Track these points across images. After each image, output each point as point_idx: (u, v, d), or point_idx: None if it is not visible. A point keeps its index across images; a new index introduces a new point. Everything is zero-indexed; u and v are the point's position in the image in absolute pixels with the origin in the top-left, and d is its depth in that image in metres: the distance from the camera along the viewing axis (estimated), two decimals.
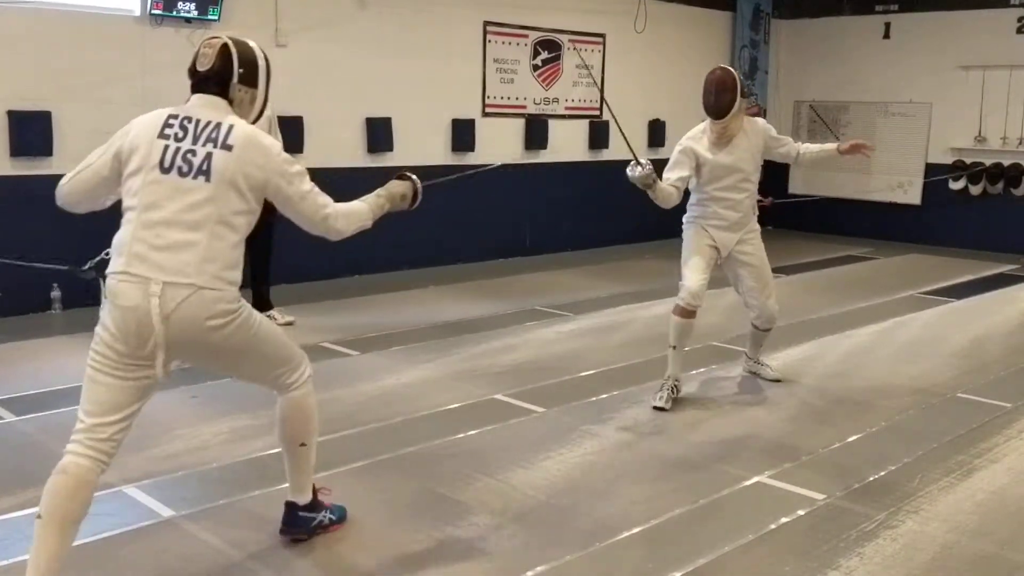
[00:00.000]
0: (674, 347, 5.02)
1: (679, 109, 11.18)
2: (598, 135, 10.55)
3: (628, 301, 7.70)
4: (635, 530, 3.55)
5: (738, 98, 4.89)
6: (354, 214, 3.16)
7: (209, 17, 7.33)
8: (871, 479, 4.07)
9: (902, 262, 10.32)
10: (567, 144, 10.27)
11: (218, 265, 2.85)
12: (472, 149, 9.39)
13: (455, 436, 4.51)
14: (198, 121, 2.90)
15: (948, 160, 11.16)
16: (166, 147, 2.86)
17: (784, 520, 3.66)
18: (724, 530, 3.57)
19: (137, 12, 7.13)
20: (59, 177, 7.51)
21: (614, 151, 10.55)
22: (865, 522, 3.64)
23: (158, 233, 2.82)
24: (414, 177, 3.36)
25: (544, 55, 10.03)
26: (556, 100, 10.20)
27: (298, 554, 3.32)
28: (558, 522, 3.62)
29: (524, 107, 9.91)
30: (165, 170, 2.85)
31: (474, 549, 3.39)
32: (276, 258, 6.69)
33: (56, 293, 6.88)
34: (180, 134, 2.88)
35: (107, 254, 2.97)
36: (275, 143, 3.01)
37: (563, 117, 10.27)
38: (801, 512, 3.73)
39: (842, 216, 11.95)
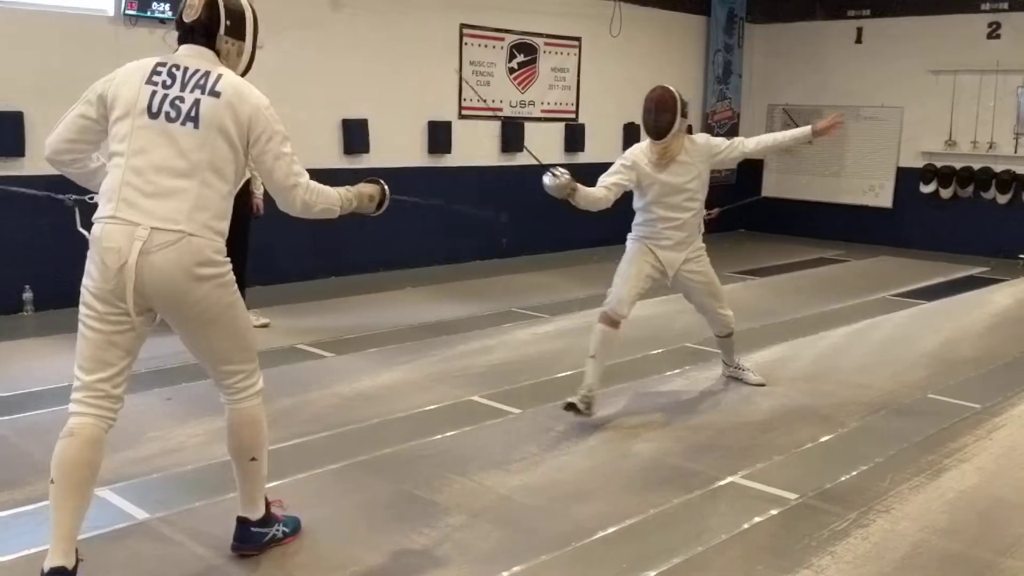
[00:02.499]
0: (593, 356, 4.81)
1: None
2: (574, 138, 10.59)
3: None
4: (610, 530, 3.57)
5: (678, 118, 4.75)
6: (324, 194, 3.09)
7: None
8: (843, 479, 4.12)
9: (874, 264, 10.43)
10: (543, 147, 10.29)
11: (208, 214, 2.85)
12: (448, 151, 9.40)
13: (431, 437, 4.52)
14: (186, 69, 2.89)
15: (919, 164, 11.30)
16: (153, 92, 2.86)
17: (757, 520, 3.69)
18: (698, 530, 3.60)
19: (111, 12, 7.08)
20: (32, 178, 7.43)
21: (590, 154, 10.60)
22: (837, 521, 3.68)
23: (148, 179, 2.82)
24: (382, 182, 3.33)
25: (520, 58, 10.06)
26: (532, 103, 10.23)
27: (273, 556, 3.31)
28: (534, 523, 3.64)
29: (500, 109, 9.94)
30: (153, 115, 2.84)
31: (450, 550, 3.39)
32: (252, 259, 6.65)
33: (28, 295, 6.82)
34: (168, 81, 2.87)
35: (91, 198, 2.95)
36: (263, 97, 2.97)
37: (539, 120, 10.31)
38: (774, 512, 3.77)
39: (815, 219, 12.07)
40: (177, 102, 2.84)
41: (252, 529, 3.26)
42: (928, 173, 11.21)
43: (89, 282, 2.86)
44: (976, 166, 10.92)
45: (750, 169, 12.08)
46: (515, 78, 10.06)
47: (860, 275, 9.74)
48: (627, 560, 3.35)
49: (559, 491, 3.95)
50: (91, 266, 2.86)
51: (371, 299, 7.80)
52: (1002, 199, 10.76)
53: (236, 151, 2.90)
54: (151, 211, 2.80)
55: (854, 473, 4.18)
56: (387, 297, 7.88)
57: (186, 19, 2.97)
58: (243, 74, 3.05)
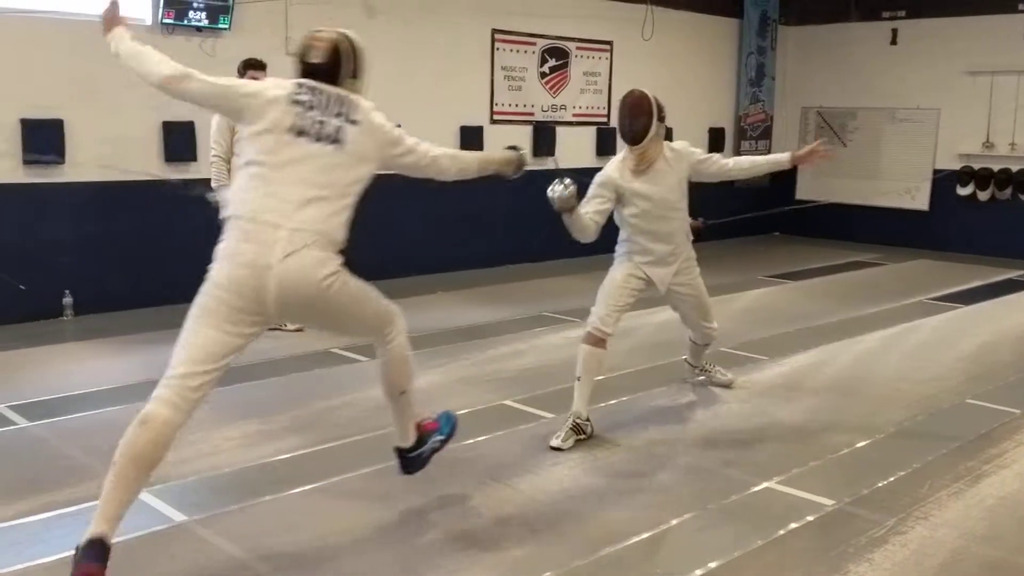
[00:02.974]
0: (579, 378, 4.67)
1: (686, 116, 11.21)
2: (605, 142, 10.57)
3: (635, 307, 7.64)
4: (644, 535, 3.56)
5: (654, 122, 4.60)
6: (459, 157, 3.62)
7: (220, 26, 7.38)
8: (880, 485, 4.07)
9: (910, 268, 10.31)
10: (575, 151, 10.29)
11: (337, 221, 3.15)
12: None
13: (464, 441, 4.52)
14: (325, 93, 3.18)
15: (956, 166, 11.16)
16: (298, 113, 3.12)
17: (793, 526, 3.66)
18: (733, 535, 3.58)
19: (149, 21, 7.19)
20: (72, 184, 7.54)
21: None
22: (874, 528, 3.64)
23: (289, 189, 3.07)
24: (523, 151, 3.84)
25: (552, 62, 10.07)
26: (563, 107, 10.24)
27: (309, 559, 3.34)
28: (566, 527, 3.63)
29: (532, 114, 9.95)
30: (299, 133, 3.11)
31: (482, 554, 3.40)
32: None
33: (68, 299, 6.92)
34: (311, 103, 3.15)
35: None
36: (384, 119, 3.31)
37: (571, 124, 10.31)
38: (810, 518, 3.74)
39: (850, 222, 11.96)
40: (320, 125, 3.13)
41: (408, 456, 3.70)
42: (965, 175, 11.07)
43: (217, 289, 3.05)
44: (1014, 168, 10.76)
45: (783, 172, 12.01)
46: (547, 82, 10.07)
47: (896, 278, 9.64)
48: (661, 566, 3.34)
49: (592, 496, 3.94)
50: (222, 274, 3.06)
51: (403, 303, 7.67)
52: None
53: (366, 172, 3.24)
54: (291, 216, 3.04)
55: (892, 479, 4.13)
56: (419, 301, 7.91)
57: (311, 60, 3.23)
58: None
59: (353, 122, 3.18)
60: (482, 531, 3.58)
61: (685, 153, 4.78)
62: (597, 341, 4.73)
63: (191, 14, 7.25)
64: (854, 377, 5.82)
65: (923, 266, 10.39)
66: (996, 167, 10.88)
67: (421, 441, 3.72)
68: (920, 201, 11.51)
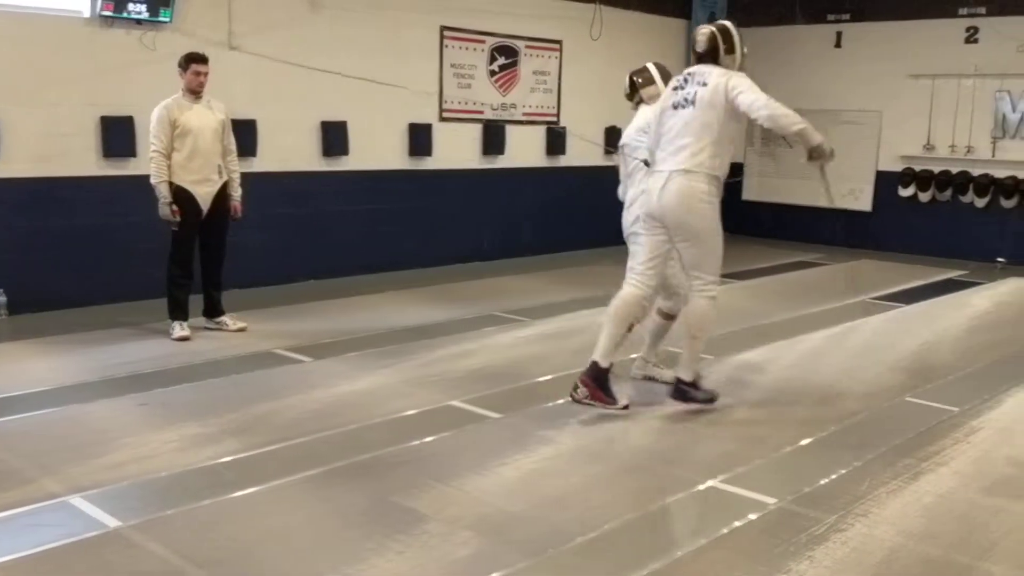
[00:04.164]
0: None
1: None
2: (555, 141, 10.57)
3: (585, 306, 7.70)
4: (589, 535, 3.55)
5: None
6: (785, 112, 4.63)
7: (160, 19, 7.22)
8: (821, 483, 4.12)
9: (853, 268, 10.48)
10: (524, 150, 10.29)
11: (704, 155, 4.67)
12: (429, 154, 9.37)
13: (410, 443, 4.49)
14: (695, 74, 4.75)
15: (898, 168, 11.36)
16: (675, 95, 4.78)
17: (736, 524, 3.68)
18: (677, 534, 3.60)
19: (87, 13, 7.01)
20: (6, 181, 7.32)
21: (571, 157, 10.58)
22: (815, 526, 3.68)
23: (671, 144, 4.73)
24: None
25: (501, 60, 10.04)
26: (514, 106, 10.22)
27: (246, 564, 3.28)
28: (512, 529, 3.62)
29: (481, 112, 9.92)
30: (674, 108, 4.74)
31: (428, 557, 3.37)
32: (230, 262, 6.61)
33: (2, 299, 6.72)
34: (683, 85, 4.77)
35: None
36: (731, 79, 4.66)
37: (521, 123, 10.29)
38: (752, 516, 3.76)
39: (794, 222, 12.11)
40: (685, 96, 4.71)
41: (682, 387, 5.02)
42: (907, 177, 11.28)
43: (643, 209, 4.88)
44: (954, 170, 10.99)
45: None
46: (496, 81, 10.04)
47: (839, 278, 9.78)
48: (605, 566, 3.33)
49: (538, 497, 3.93)
50: (645, 198, 4.87)
51: (350, 303, 7.75)
52: (980, 203, 10.83)
53: (717, 112, 4.65)
54: (671, 161, 4.70)
55: (833, 477, 4.18)
56: (367, 301, 7.84)
57: (698, 50, 4.83)
58: (739, 68, 4.82)
59: (703, 84, 4.64)
60: (426, 533, 3.54)
61: None
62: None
63: (130, 6, 7.07)
64: (797, 376, 5.89)
65: (865, 266, 10.56)
66: (937, 169, 11.09)
67: (694, 386, 4.99)
68: (863, 202, 11.70)
